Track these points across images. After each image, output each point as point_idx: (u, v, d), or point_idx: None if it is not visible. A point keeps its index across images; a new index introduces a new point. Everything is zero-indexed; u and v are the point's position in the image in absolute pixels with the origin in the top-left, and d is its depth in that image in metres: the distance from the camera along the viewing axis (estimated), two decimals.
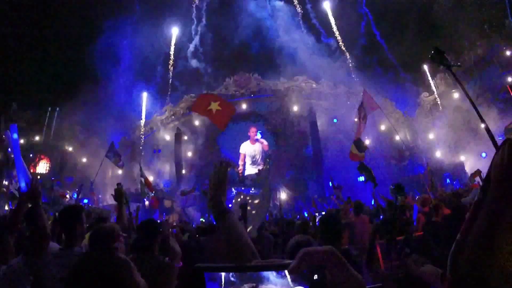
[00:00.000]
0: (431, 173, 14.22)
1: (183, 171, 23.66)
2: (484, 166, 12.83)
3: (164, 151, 24.59)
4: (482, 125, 4.58)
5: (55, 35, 27.47)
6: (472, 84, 19.69)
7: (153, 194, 14.54)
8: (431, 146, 21.91)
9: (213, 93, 15.24)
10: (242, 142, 23.68)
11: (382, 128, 23.01)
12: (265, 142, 24.12)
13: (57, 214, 4.48)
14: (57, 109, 25.26)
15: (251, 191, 20.13)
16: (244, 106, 24.45)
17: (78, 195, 12.12)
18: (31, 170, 20.33)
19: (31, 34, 26.83)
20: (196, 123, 24.63)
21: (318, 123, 23.72)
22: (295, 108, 24.08)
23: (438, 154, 20.87)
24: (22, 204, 3.45)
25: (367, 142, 14.47)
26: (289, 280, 0.71)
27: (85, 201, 17.03)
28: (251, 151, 24.00)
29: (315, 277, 0.68)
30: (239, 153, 23.29)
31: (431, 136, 22.26)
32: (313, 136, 23.97)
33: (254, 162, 23.84)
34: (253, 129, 24.26)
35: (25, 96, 25.79)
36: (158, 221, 5.06)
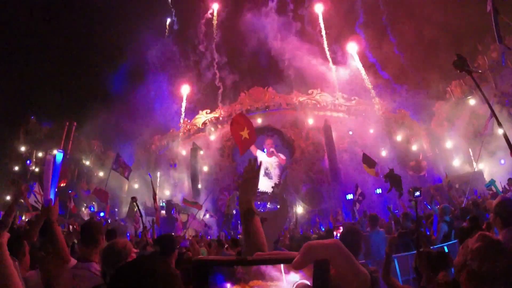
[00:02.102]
0: (449, 184, 13.86)
1: (199, 185, 23.75)
2: (502, 173, 12.49)
3: (180, 165, 24.78)
4: (500, 131, 4.48)
5: (76, 52, 28.40)
6: (488, 89, 19.33)
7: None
8: (448, 155, 21.45)
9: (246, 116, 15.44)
10: (253, 153, 23.83)
11: (398, 138, 22.69)
12: (282, 156, 24.22)
13: (70, 226, 4.58)
14: (75, 123, 25.82)
15: (268, 205, 20.11)
16: (259, 120, 24.53)
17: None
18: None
19: (51, 50, 27.81)
20: (212, 137, 24.80)
21: (334, 136, 23.54)
22: (310, 121, 24.02)
23: (456, 162, 20.41)
24: (41, 218, 3.52)
25: (383, 153, 14.23)
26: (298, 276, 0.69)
27: (101, 214, 17.22)
28: (265, 163, 24.11)
29: (319, 271, 0.65)
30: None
31: (448, 145, 21.80)
32: (329, 149, 23.77)
33: (266, 174, 23.92)
34: (269, 141, 24.51)
35: (44, 109, 26.66)
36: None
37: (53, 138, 25.59)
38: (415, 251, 5.29)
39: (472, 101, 21.07)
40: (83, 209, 19.22)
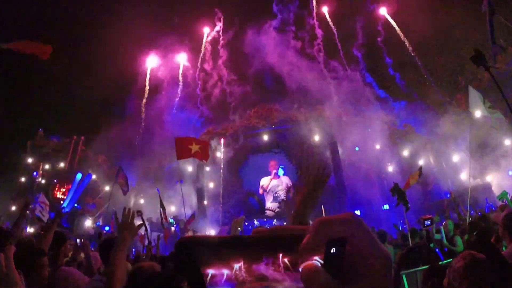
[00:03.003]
0: (455, 200, 13.68)
1: (205, 202, 23.66)
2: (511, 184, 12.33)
3: (186, 182, 24.77)
4: (507, 142, 4.48)
5: (84, 67, 28.85)
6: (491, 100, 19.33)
7: (166, 227, 14.57)
8: (455, 168, 21.25)
9: (189, 136, 15.82)
10: (264, 174, 23.70)
11: (404, 153, 22.54)
12: (288, 182, 23.86)
13: (78, 240, 4.63)
14: (82, 137, 26.06)
15: (274, 223, 19.93)
16: (265, 137, 24.52)
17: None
18: (57, 196, 20.86)
19: (59, 64, 28.29)
20: (218, 154, 24.82)
21: (340, 152, 23.48)
22: (317, 138, 23.98)
23: (463, 176, 20.22)
24: (51, 229, 3.57)
25: (390, 168, 14.15)
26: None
27: (107, 228, 17.19)
28: (272, 187, 23.83)
29: (333, 250, 0.54)
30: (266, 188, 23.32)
31: (455, 158, 21.61)
32: (335, 166, 23.65)
33: (275, 199, 23.64)
34: (272, 163, 24.26)
35: (52, 123, 26.97)
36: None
37: (60, 151, 25.86)
38: (423, 267, 5.24)
39: (477, 113, 20.96)
40: (87, 222, 19.25)
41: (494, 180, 18.58)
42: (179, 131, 25.78)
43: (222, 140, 24.84)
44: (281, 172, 24.13)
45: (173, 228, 18.32)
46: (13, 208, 20.12)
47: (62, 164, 25.87)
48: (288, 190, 23.76)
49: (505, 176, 17.47)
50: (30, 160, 25.92)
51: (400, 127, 24.34)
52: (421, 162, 22.17)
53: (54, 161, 25.90)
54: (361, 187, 19.03)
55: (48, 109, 27.64)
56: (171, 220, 20.67)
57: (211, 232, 17.32)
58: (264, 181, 23.61)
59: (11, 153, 25.70)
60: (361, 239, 0.57)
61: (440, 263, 5.09)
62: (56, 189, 22.43)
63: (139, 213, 7.12)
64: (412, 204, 10.75)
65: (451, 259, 6.05)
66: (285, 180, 23.94)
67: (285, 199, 22.85)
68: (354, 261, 0.56)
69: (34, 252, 2.70)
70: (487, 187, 18.35)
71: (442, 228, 7.19)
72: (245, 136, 24.66)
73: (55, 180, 23.91)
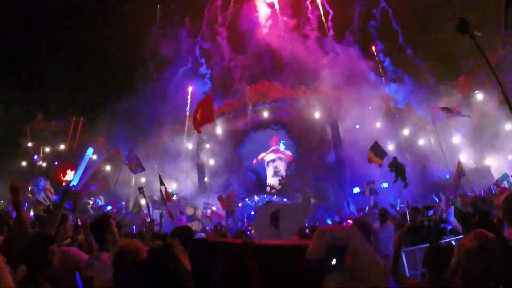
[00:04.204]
0: (460, 174, 13.57)
1: (206, 179, 23.78)
2: (511, 169, 12.38)
3: (186, 159, 24.82)
4: (508, 127, 4.41)
5: (79, 48, 28.47)
6: (495, 87, 19.12)
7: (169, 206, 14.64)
8: (455, 150, 21.25)
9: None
10: (264, 151, 23.84)
11: (405, 133, 22.49)
12: (289, 153, 24.15)
13: (79, 220, 4.63)
14: (82, 118, 25.94)
15: (273, 199, 20.12)
16: (265, 114, 24.44)
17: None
18: (60, 178, 20.98)
19: (55, 47, 27.92)
20: (218, 131, 24.79)
21: (340, 130, 23.42)
22: (317, 115, 23.87)
23: (463, 158, 20.26)
24: (58, 210, 3.55)
25: (390, 147, 14.10)
26: None
27: (109, 207, 17.32)
28: (273, 162, 24.06)
29: (333, 260, 0.61)
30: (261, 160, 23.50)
31: (455, 140, 21.58)
32: (335, 143, 23.68)
33: (275, 173, 23.90)
34: (275, 138, 24.44)
35: (50, 106, 26.82)
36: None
37: (60, 134, 25.78)
38: (423, 245, 5.26)
39: (479, 96, 20.82)
40: (90, 202, 19.36)
41: (494, 164, 18.62)
42: (178, 110, 25.69)
43: (222, 117, 24.76)
44: (282, 147, 24.30)
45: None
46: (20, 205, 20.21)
47: (62, 146, 25.88)
48: (288, 165, 23.96)
49: (505, 161, 17.45)
50: (30, 144, 25.97)
51: (401, 107, 24.20)
52: (421, 142, 22.18)
53: (54, 144, 25.94)
54: (360, 165, 18.99)
55: (46, 93, 27.56)
56: (173, 197, 20.85)
57: (213, 208, 17.47)
58: (262, 154, 23.93)
59: (10, 139, 25.82)
60: (361, 246, 0.65)
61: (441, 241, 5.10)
62: (58, 171, 22.48)
63: (141, 190, 7.10)
64: (410, 184, 10.75)
65: (453, 238, 6.09)
66: (285, 155, 24.08)
67: (285, 175, 23.03)
68: (354, 266, 0.65)
69: (44, 240, 2.65)
70: (486, 170, 18.42)
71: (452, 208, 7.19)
72: (244, 113, 24.55)
73: (56, 163, 23.94)
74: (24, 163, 24.94)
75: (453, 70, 23.82)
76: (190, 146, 25.37)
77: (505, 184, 10.88)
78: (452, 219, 6.56)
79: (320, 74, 24.01)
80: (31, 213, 12.08)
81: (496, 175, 15.09)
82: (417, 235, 6.04)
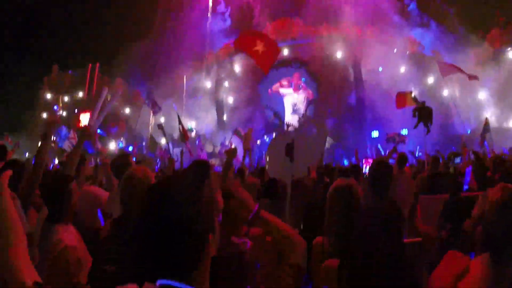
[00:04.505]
0: (485, 129, 13.11)
1: (224, 117, 23.93)
2: None
3: (205, 97, 24.86)
4: None
5: None
6: None
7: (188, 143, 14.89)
8: (480, 106, 20.46)
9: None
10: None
11: (430, 81, 21.56)
12: (309, 91, 23.83)
13: (99, 160, 4.75)
14: (98, 63, 25.84)
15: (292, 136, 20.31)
16: (285, 51, 23.68)
17: None
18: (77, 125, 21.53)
19: None
20: (237, 69, 24.40)
21: (363, 71, 22.69)
22: (339, 55, 23.02)
23: (488, 115, 19.62)
24: (80, 141, 3.66)
25: (413, 93, 13.61)
26: None
27: (130, 148, 17.79)
28: (293, 99, 23.94)
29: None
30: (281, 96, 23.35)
31: (481, 95, 20.67)
32: (357, 84, 23.14)
33: (295, 111, 23.84)
34: (296, 75, 24.06)
35: (66, 56, 27.02)
36: None
37: (77, 82, 25.96)
38: (439, 195, 5.21)
39: (511, 54, 19.58)
40: (111, 145, 19.92)
41: None
42: (197, 48, 25.17)
43: (241, 54, 24.19)
44: (301, 86, 24.06)
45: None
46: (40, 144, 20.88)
47: (80, 94, 26.09)
48: (308, 104, 23.81)
49: None
50: (48, 95, 26.26)
51: (428, 53, 22.97)
52: (445, 92, 21.39)
53: (73, 92, 26.20)
54: (381, 108, 18.64)
55: (61, 44, 27.33)
56: (192, 134, 21.23)
57: (232, 146, 17.79)
58: (287, 92, 23.55)
59: (29, 92, 26.16)
60: None
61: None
62: (79, 119, 22.88)
63: (160, 127, 7.16)
64: (430, 134, 10.45)
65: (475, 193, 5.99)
66: (305, 94, 23.83)
67: (305, 113, 23.00)
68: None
69: (62, 179, 2.67)
70: (510, 132, 17.83)
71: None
72: None
73: (76, 111, 24.32)
74: (44, 115, 25.48)
75: (487, 22, 22.12)
76: (209, 84, 25.21)
77: None
78: (470, 179, 6.42)
79: (343, 12, 22.69)
80: (56, 161, 12.48)
81: None
82: (436, 184, 5.97)
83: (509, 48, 19.82)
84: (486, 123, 13.32)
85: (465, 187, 6.20)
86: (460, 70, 12.96)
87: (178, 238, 0.99)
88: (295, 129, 20.96)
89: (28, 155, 17.43)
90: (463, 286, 1.71)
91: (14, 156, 6.46)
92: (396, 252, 2.00)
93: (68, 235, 2.41)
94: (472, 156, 7.62)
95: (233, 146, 17.43)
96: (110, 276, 1.92)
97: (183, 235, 0.99)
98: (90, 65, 25.88)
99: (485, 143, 12.95)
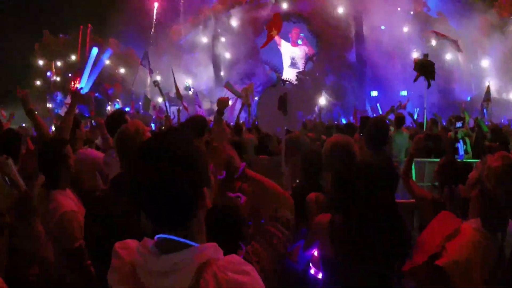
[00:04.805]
0: (485, 97, 12.99)
1: (222, 73, 23.54)
2: None
3: (202, 53, 24.31)
4: None
5: None
6: None
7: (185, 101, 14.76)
8: (482, 74, 20.10)
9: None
10: (277, 42, 23.02)
11: (433, 43, 21.03)
12: (309, 46, 23.24)
13: (93, 121, 4.72)
14: (89, 25, 24.93)
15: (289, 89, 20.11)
16: (284, 5, 22.95)
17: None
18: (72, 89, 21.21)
19: None
20: (234, 24, 23.66)
21: (364, 29, 22.04)
22: (340, 11, 22.29)
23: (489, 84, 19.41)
24: (73, 105, 3.58)
25: (415, 55, 13.34)
26: None
27: (127, 109, 17.65)
28: (290, 53, 23.47)
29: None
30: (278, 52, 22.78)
31: (484, 63, 20.23)
32: (358, 42, 22.56)
33: (293, 65, 23.46)
34: (296, 30, 23.42)
35: (57, 20, 25.86)
36: None
37: (70, 46, 25.09)
38: (434, 159, 5.24)
39: None
40: (108, 107, 19.70)
41: None
42: (191, 2, 24.26)
43: (238, 7, 23.40)
44: (300, 42, 23.49)
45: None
46: (35, 113, 20.55)
47: (73, 57, 25.31)
48: (307, 60, 23.38)
49: None
50: (41, 62, 25.50)
51: (433, 15, 22.19)
52: (448, 56, 20.93)
53: (65, 57, 25.40)
54: (382, 67, 18.35)
55: (50, 6, 26.18)
56: (190, 91, 21.00)
57: (230, 102, 17.61)
58: (285, 46, 23.23)
59: (21, 59, 25.38)
60: None
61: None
62: (73, 83, 22.40)
63: (156, 83, 7.05)
64: (430, 97, 10.31)
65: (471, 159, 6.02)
66: (304, 49, 23.34)
67: (303, 69, 22.66)
68: None
69: (56, 143, 2.61)
70: (509, 104, 17.64)
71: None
72: (262, 4, 23.08)
73: (70, 75, 23.71)
74: (38, 82, 24.83)
75: None
76: (205, 39, 24.55)
77: None
78: (462, 152, 6.43)
79: None
80: (53, 127, 12.35)
81: None
82: (432, 146, 5.99)
83: None
84: (487, 91, 13.18)
85: (459, 159, 6.25)
86: (446, 37, 12.78)
87: (172, 190, 0.99)
88: (292, 85, 20.67)
89: (25, 125, 17.40)
90: (452, 247, 1.75)
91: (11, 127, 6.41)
92: (388, 208, 2.03)
93: (66, 200, 2.40)
94: (471, 124, 7.61)
95: (230, 102, 17.28)
96: (98, 236, 1.94)
97: (177, 188, 1.00)
98: (81, 27, 25.06)
99: (484, 111, 12.90)
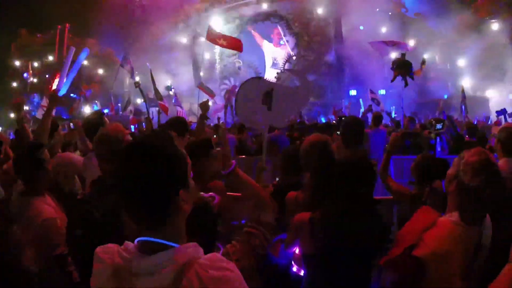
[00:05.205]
0: (463, 95, 13.39)
1: (201, 73, 23.39)
2: (510, 108, 12.33)
3: (181, 53, 24.10)
4: None
5: None
6: None
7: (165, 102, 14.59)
8: (459, 72, 20.68)
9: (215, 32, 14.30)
10: (259, 43, 23.06)
11: (411, 43, 21.49)
12: (288, 49, 23.36)
13: (71, 124, 4.63)
14: (67, 24, 24.32)
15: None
16: (264, 5, 23.02)
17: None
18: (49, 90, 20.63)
19: None
20: (213, 24, 23.56)
21: (343, 29, 22.34)
22: (320, 11, 22.52)
23: (465, 83, 19.92)
24: (50, 108, 3.49)
25: (393, 55, 13.58)
26: None
27: (106, 110, 17.32)
28: (272, 53, 23.55)
29: None
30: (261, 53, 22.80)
31: (461, 62, 20.83)
32: (337, 41, 22.87)
33: (274, 65, 23.54)
34: (277, 31, 23.51)
35: (32, 19, 24.80)
36: None
37: (47, 45, 24.37)
38: (412, 156, 5.37)
39: (495, 26, 19.60)
40: (87, 108, 19.27)
41: (493, 98, 18.27)
42: (171, 2, 24.02)
43: (218, 7, 23.35)
44: (282, 42, 23.65)
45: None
46: (12, 115, 19.95)
47: (51, 58, 24.58)
48: (287, 60, 23.53)
49: (505, 99, 17.05)
50: (17, 63, 24.70)
51: (411, 15, 22.72)
52: (426, 55, 21.51)
53: (43, 57, 24.64)
54: (360, 67, 18.60)
55: (26, 5, 25.11)
56: (170, 91, 20.78)
57: (209, 103, 17.53)
58: (267, 46, 23.29)
59: None
60: None
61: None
62: (51, 84, 21.83)
63: (137, 84, 6.98)
64: (407, 97, 10.52)
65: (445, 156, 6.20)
66: (285, 50, 23.45)
67: (283, 70, 22.80)
68: None
69: (31, 148, 2.53)
70: (484, 101, 18.19)
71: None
72: (243, 4, 23.07)
73: (47, 76, 23.05)
74: (15, 84, 24.05)
75: None
76: (184, 40, 24.36)
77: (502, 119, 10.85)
78: (439, 149, 6.60)
79: None
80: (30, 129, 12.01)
81: (493, 109, 15.06)
82: (409, 143, 6.15)
83: (493, 20, 19.81)
84: (462, 90, 13.64)
85: (438, 149, 6.43)
86: (396, 44, 13.10)
87: (146, 187, 1.03)
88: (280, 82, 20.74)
89: (1, 129, 16.74)
90: (429, 238, 1.80)
91: None
92: (367, 204, 2.07)
93: (46, 207, 2.35)
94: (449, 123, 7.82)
95: (210, 103, 17.20)
96: (80, 241, 1.91)
97: (153, 190, 1.04)
98: (59, 26, 24.39)
99: (463, 107, 13.34)
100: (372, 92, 14.62)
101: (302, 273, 2.32)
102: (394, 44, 13.20)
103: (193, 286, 0.98)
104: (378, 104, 13.99)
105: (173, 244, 1.05)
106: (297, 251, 2.38)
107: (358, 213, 2.03)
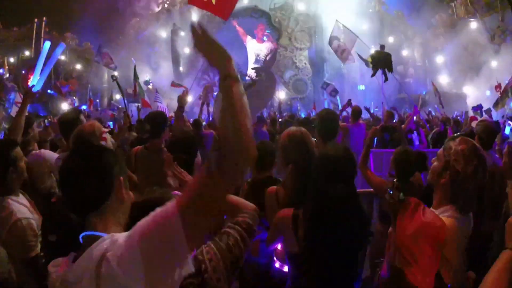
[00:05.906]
0: (437, 92, 13.68)
1: (181, 68, 23.07)
2: (484, 104, 12.68)
3: (160, 49, 23.70)
4: (494, 64, 4.25)
5: None
6: (493, 19, 19.03)
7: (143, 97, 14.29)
8: (437, 69, 21.11)
9: None
10: (243, 39, 22.90)
11: (390, 40, 21.79)
12: (270, 44, 23.29)
13: (46, 121, 4.49)
14: (44, 18, 23.49)
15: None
16: (245, 1, 22.83)
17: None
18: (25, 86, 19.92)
19: None
20: (194, 18, 23.24)
21: (324, 26, 22.47)
22: (300, 6, 22.55)
23: (443, 80, 20.23)
24: (24, 104, 3.36)
25: (372, 51, 13.68)
26: None
27: (84, 107, 16.89)
28: (256, 49, 23.41)
29: None
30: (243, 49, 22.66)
31: (439, 60, 21.29)
32: (318, 38, 22.99)
33: (257, 61, 23.44)
34: (261, 26, 23.36)
35: (9, 13, 23.95)
36: None
37: (23, 39, 23.50)
38: (391, 149, 5.46)
39: (473, 25, 20.08)
40: (65, 104, 18.71)
41: (471, 95, 18.74)
42: None
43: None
44: (265, 38, 23.62)
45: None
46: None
47: (27, 53, 23.72)
48: (269, 53, 23.53)
49: (482, 96, 17.51)
50: None
51: (391, 13, 23.04)
52: (404, 53, 21.88)
53: (19, 52, 23.74)
54: (339, 62, 18.70)
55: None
56: (149, 86, 20.47)
57: (189, 99, 17.37)
58: (250, 42, 23.21)
59: None
60: None
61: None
62: (27, 80, 21.06)
63: (114, 78, 6.83)
64: (386, 93, 10.61)
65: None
66: (269, 46, 23.41)
67: (264, 63, 22.81)
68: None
69: (4, 145, 2.41)
70: (461, 97, 18.67)
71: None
72: None
73: (24, 71, 22.24)
74: None
75: None
76: (164, 34, 23.96)
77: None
78: (418, 142, 6.71)
79: None
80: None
81: (470, 105, 15.44)
82: (388, 137, 6.24)
83: (472, 20, 20.29)
84: (434, 88, 13.97)
85: (416, 143, 6.55)
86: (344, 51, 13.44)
87: (84, 176, 1.16)
88: (252, 80, 20.72)
89: None
90: (448, 252, 1.77)
91: None
92: (349, 198, 2.01)
93: (19, 207, 2.26)
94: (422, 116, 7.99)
95: (189, 99, 17.06)
96: (52, 244, 1.85)
97: (88, 174, 1.17)
98: (36, 20, 23.57)
99: (437, 107, 13.69)
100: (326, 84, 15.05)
101: (285, 268, 2.29)
102: (342, 53, 13.56)
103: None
104: (334, 95, 14.37)
105: (101, 234, 1.12)
106: (279, 247, 2.35)
107: (341, 207, 2.00)
